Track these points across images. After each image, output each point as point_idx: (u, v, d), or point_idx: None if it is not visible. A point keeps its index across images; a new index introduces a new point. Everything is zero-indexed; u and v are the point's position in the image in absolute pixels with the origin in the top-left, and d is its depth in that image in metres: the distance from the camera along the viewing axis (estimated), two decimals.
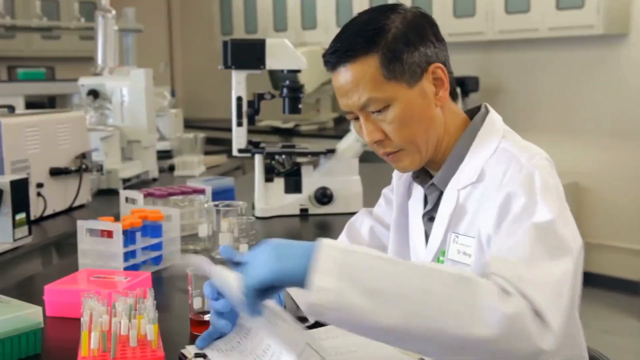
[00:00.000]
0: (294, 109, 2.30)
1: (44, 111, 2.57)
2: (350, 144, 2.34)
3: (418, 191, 1.37)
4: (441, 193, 1.30)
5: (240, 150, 2.33)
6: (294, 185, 2.34)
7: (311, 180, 2.33)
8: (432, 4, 4.65)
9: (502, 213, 1.13)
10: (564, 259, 1.05)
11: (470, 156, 1.26)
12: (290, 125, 5.01)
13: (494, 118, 1.30)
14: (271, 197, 2.33)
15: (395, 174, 1.47)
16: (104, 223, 1.64)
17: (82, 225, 1.66)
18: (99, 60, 3.27)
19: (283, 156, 2.38)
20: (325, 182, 2.32)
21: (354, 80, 1.22)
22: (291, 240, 1.03)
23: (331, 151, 2.33)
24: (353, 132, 2.34)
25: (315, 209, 2.33)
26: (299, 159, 2.38)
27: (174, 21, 7.23)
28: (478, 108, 1.33)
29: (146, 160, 2.99)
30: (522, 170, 1.16)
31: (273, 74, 4.74)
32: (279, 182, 2.34)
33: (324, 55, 1.26)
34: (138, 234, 1.68)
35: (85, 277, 1.49)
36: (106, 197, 2.70)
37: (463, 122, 1.31)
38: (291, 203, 2.33)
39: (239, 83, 2.31)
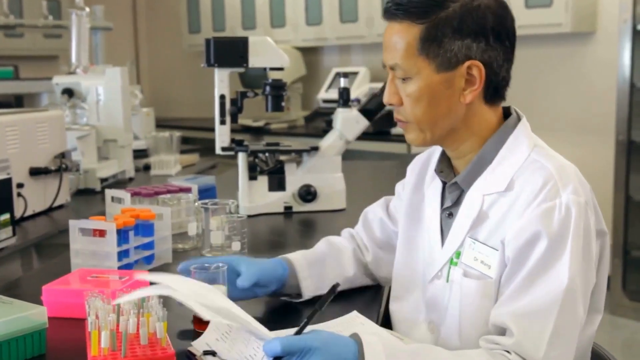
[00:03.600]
0: (277, 107, 2.30)
1: (22, 110, 2.54)
2: (332, 142, 2.36)
3: (436, 184, 1.38)
4: (462, 191, 1.31)
5: (223, 149, 2.32)
6: (277, 183, 2.34)
7: (295, 178, 2.34)
8: None
9: (527, 250, 1.17)
10: (576, 328, 1.16)
11: (499, 161, 1.26)
12: (260, 123, 5.00)
13: (526, 125, 1.30)
14: (255, 195, 2.33)
15: (411, 167, 1.50)
16: (97, 222, 1.63)
17: (75, 225, 1.64)
18: (73, 59, 3.22)
19: (266, 154, 2.39)
20: (309, 180, 2.33)
21: (393, 40, 1.25)
22: (333, 349, 1.07)
23: (315, 149, 2.34)
24: (336, 130, 2.35)
25: (299, 207, 2.34)
26: (282, 157, 2.39)
27: (140, 19, 7.14)
28: (507, 109, 1.33)
29: (123, 160, 2.96)
30: (560, 208, 1.16)
31: (244, 72, 4.72)
32: (263, 180, 2.34)
33: (387, 2, 1.28)
34: (131, 233, 1.67)
35: (82, 277, 1.48)
36: (84, 197, 2.68)
37: (492, 130, 1.30)
38: (275, 201, 2.34)
39: (221, 81, 2.31)
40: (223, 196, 2.25)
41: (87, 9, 3.25)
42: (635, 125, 3.82)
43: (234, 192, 2.35)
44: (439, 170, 1.37)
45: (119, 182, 2.91)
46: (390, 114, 4.46)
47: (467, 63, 1.22)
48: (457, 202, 1.31)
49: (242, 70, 2.33)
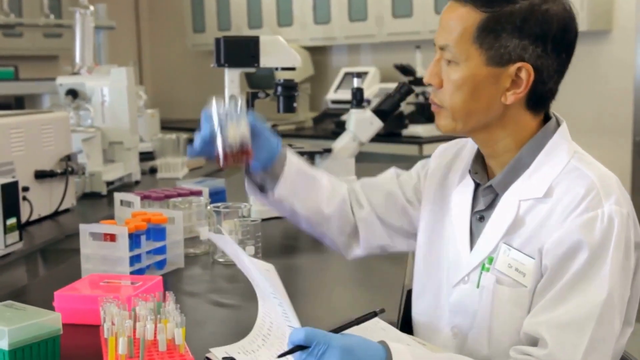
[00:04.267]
0: (289, 108, 2.25)
1: (27, 112, 2.49)
2: (346, 144, 2.31)
3: (467, 185, 1.33)
4: (496, 195, 1.26)
5: None
6: None
7: None
8: (413, 1, 4.63)
9: (567, 260, 1.13)
10: (612, 341, 1.13)
11: (537, 166, 1.22)
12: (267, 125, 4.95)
13: (566, 130, 1.26)
14: None
15: (438, 156, 1.45)
16: (109, 227, 1.58)
17: (85, 229, 1.59)
18: (77, 59, 3.17)
19: None
20: None
21: (451, 21, 1.21)
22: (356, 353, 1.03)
23: (327, 151, 2.29)
24: (349, 131, 2.30)
25: None
26: None
27: (142, 18, 7.08)
28: (547, 113, 1.29)
29: (129, 163, 2.90)
30: (602, 218, 1.13)
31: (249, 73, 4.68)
32: None
33: None
34: (143, 238, 1.62)
35: (94, 283, 1.43)
36: (90, 201, 2.63)
37: (530, 134, 1.25)
38: None
39: (232, 81, 2.25)
40: (233, 200, 2.20)
41: (92, 8, 3.20)
42: None
43: (244, 195, 2.29)
44: (473, 172, 1.32)
45: (125, 186, 2.85)
46: (401, 115, 4.39)
47: (518, 64, 1.18)
48: (490, 206, 1.27)
49: (253, 70, 2.27)
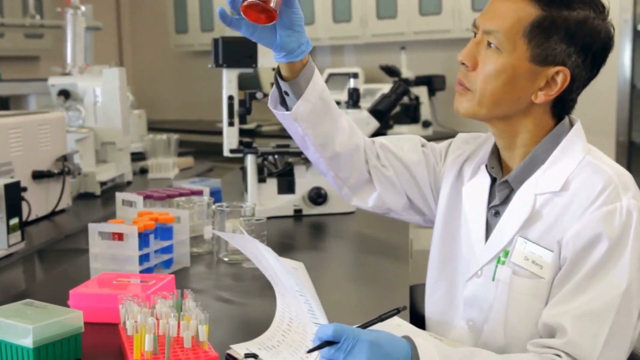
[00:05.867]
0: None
1: (23, 112, 2.48)
2: None
3: (482, 180, 1.36)
4: (511, 190, 1.29)
5: (232, 151, 2.29)
6: (287, 185, 2.31)
7: (304, 180, 2.31)
8: (397, 2, 4.67)
9: (586, 251, 1.16)
10: (630, 332, 1.16)
11: (553, 162, 1.25)
12: (252, 125, 4.96)
13: (580, 129, 1.30)
14: (264, 198, 2.30)
15: (459, 145, 1.47)
16: (119, 226, 1.59)
17: (94, 229, 1.60)
18: (68, 59, 3.15)
19: (276, 156, 2.35)
20: (319, 182, 2.30)
21: (506, 7, 1.23)
22: (384, 348, 1.05)
23: None
24: None
25: (310, 210, 2.31)
26: (291, 159, 2.35)
27: (123, 18, 7.04)
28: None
29: (121, 163, 2.90)
30: (621, 211, 1.16)
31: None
32: (272, 183, 2.31)
33: None
34: (151, 237, 1.63)
35: (106, 281, 1.44)
36: (84, 201, 2.62)
37: (546, 131, 1.29)
38: (285, 204, 2.31)
39: (230, 82, 2.27)
40: (227, 199, 2.22)
41: (83, 8, 3.19)
42: (635, 127, 3.85)
43: (237, 195, 2.31)
44: (490, 166, 1.35)
45: (117, 186, 2.85)
46: (388, 116, 4.35)
47: (559, 67, 1.22)
48: (505, 201, 1.30)
49: (250, 70, 2.30)
